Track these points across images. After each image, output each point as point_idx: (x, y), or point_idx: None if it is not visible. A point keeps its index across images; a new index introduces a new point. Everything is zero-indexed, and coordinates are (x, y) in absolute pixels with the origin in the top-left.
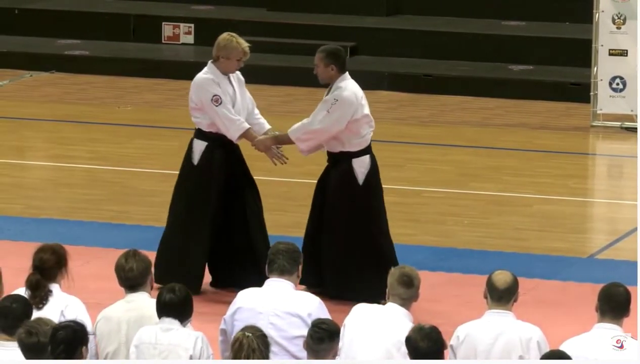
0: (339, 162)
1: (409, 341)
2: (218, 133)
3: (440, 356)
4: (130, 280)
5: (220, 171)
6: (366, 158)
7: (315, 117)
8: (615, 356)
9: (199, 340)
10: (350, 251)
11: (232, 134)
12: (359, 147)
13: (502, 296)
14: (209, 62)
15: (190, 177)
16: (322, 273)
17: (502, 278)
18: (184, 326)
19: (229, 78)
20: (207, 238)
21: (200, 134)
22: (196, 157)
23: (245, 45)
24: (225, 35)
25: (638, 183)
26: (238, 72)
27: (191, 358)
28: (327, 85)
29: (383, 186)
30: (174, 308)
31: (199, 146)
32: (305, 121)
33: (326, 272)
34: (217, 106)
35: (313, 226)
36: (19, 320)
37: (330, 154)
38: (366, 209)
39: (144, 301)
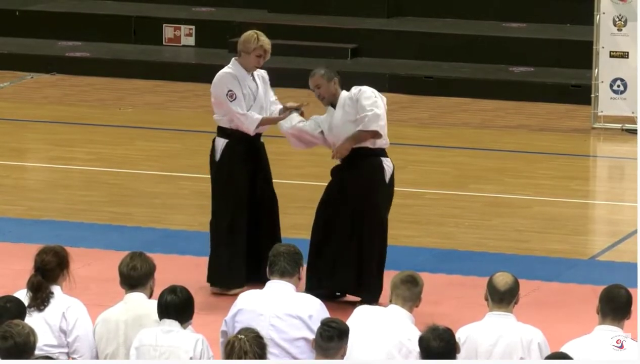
0: (369, 157)
1: (422, 340)
2: (238, 129)
3: (451, 357)
4: (132, 278)
5: (242, 166)
6: (389, 160)
7: (368, 106)
8: (616, 356)
9: (199, 342)
10: (370, 249)
11: (248, 128)
12: (384, 147)
13: (502, 298)
14: (233, 58)
15: (216, 175)
16: (332, 272)
17: (502, 279)
18: (185, 328)
19: (253, 76)
20: (237, 234)
21: (220, 131)
22: (218, 155)
23: (266, 42)
24: (249, 31)
25: (638, 185)
26: (263, 71)
27: (191, 360)
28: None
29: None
30: (175, 309)
31: (220, 143)
32: (365, 113)
33: (345, 269)
34: (231, 101)
35: (326, 223)
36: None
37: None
38: (384, 208)
39: (140, 301)
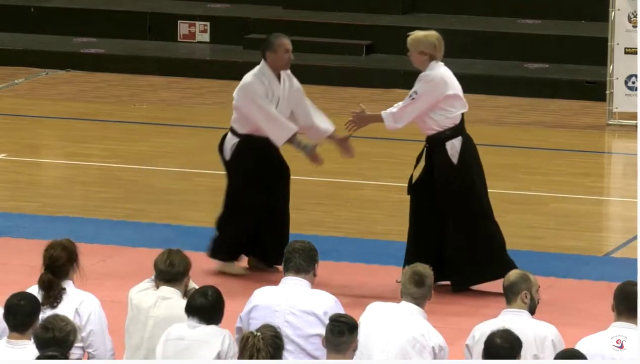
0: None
1: (488, 337)
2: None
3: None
4: (168, 274)
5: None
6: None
7: None
8: (616, 355)
9: (226, 337)
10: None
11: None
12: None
13: (506, 295)
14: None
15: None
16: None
17: (507, 276)
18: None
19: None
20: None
21: None
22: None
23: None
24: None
25: (638, 183)
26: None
27: (218, 354)
28: None
29: (399, 184)
30: (204, 312)
31: None
32: None
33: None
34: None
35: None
36: (29, 317)
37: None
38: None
39: (175, 302)
